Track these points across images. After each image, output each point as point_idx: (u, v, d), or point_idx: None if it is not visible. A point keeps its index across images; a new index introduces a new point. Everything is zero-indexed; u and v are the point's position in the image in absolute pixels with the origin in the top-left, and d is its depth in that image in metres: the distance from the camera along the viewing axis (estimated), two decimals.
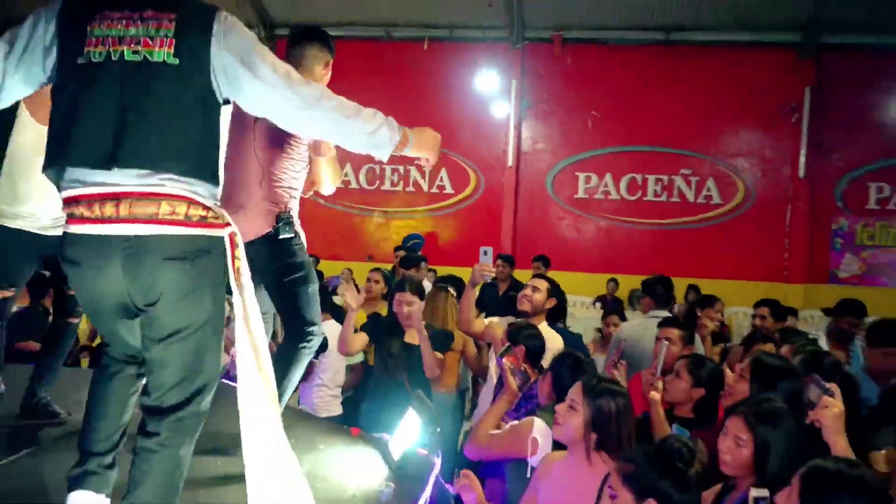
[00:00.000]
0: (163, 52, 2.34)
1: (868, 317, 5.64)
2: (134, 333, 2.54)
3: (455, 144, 14.47)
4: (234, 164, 3.35)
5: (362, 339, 5.08)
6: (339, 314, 5.83)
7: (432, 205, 14.78)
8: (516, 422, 3.51)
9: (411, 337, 4.91)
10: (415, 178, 14.75)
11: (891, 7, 12.26)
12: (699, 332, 6.10)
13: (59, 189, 2.41)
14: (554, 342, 4.70)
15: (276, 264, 3.49)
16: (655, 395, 3.75)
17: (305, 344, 3.60)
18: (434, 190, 14.77)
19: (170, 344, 2.45)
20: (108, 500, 2.56)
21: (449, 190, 14.72)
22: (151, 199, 2.33)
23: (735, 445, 2.69)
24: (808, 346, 4.33)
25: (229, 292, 2.58)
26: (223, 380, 5.10)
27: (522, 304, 4.99)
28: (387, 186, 14.83)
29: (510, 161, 14.40)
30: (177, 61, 2.35)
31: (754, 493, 2.32)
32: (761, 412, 2.72)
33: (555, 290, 5.15)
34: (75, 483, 2.54)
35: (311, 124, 2.60)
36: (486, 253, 5.12)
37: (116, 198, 2.30)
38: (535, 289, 4.99)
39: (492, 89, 14.10)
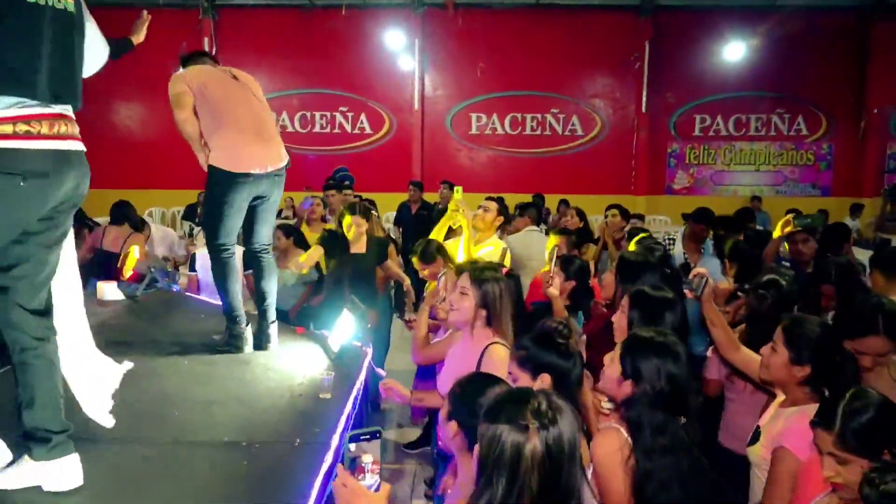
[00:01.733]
0: (71, 4, 2.27)
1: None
2: None
3: (371, 93, 14.46)
4: (257, 109, 3.60)
5: (319, 251, 4.89)
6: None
7: (356, 143, 14.67)
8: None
9: (356, 248, 4.84)
10: (340, 122, 14.60)
11: None
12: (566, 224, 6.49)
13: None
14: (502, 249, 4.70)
15: (280, 191, 3.69)
16: (553, 291, 3.58)
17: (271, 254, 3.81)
18: (356, 131, 14.65)
19: (59, 244, 2.33)
20: None
21: (368, 130, 14.64)
22: (73, 122, 2.29)
23: (620, 314, 2.62)
24: (649, 241, 4.29)
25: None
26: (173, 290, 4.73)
27: (476, 222, 4.78)
28: (317, 129, 14.62)
29: (416, 105, 14.40)
30: (75, 12, 2.30)
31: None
32: (638, 295, 2.63)
33: (503, 209, 5.01)
34: None
35: (103, 56, 2.62)
36: (458, 190, 4.83)
37: (64, 118, 2.22)
38: (486, 209, 4.83)
39: (399, 47, 14.00)
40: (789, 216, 4.97)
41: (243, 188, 3.49)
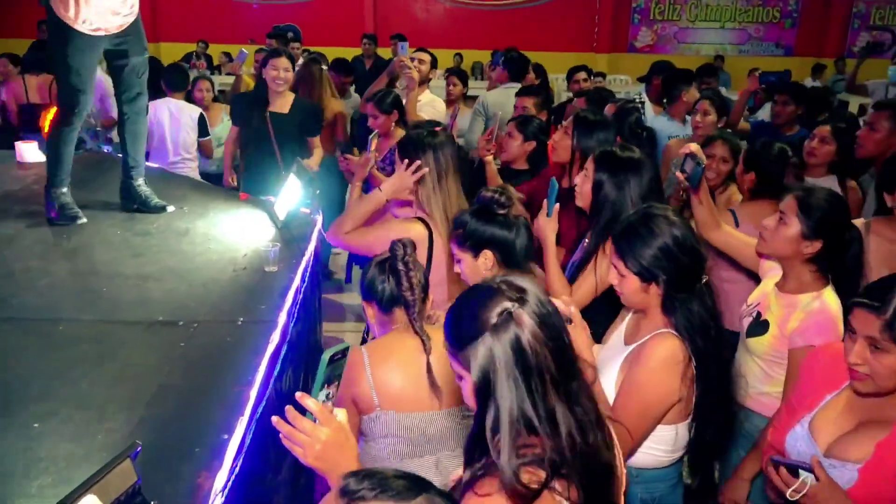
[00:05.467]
0: None
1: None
2: None
3: None
4: None
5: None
6: None
7: None
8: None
9: (278, 107, 4.27)
10: None
11: None
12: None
13: None
14: (439, 105, 4.76)
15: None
16: (489, 157, 3.47)
17: None
18: None
19: None
20: None
21: None
22: None
23: (584, 178, 2.43)
24: (627, 103, 4.11)
25: None
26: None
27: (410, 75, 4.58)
28: None
29: None
30: None
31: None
32: (605, 156, 2.40)
33: (435, 63, 5.06)
34: None
35: None
36: (403, 47, 4.71)
37: None
38: (420, 61, 4.78)
39: None
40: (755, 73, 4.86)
41: None
